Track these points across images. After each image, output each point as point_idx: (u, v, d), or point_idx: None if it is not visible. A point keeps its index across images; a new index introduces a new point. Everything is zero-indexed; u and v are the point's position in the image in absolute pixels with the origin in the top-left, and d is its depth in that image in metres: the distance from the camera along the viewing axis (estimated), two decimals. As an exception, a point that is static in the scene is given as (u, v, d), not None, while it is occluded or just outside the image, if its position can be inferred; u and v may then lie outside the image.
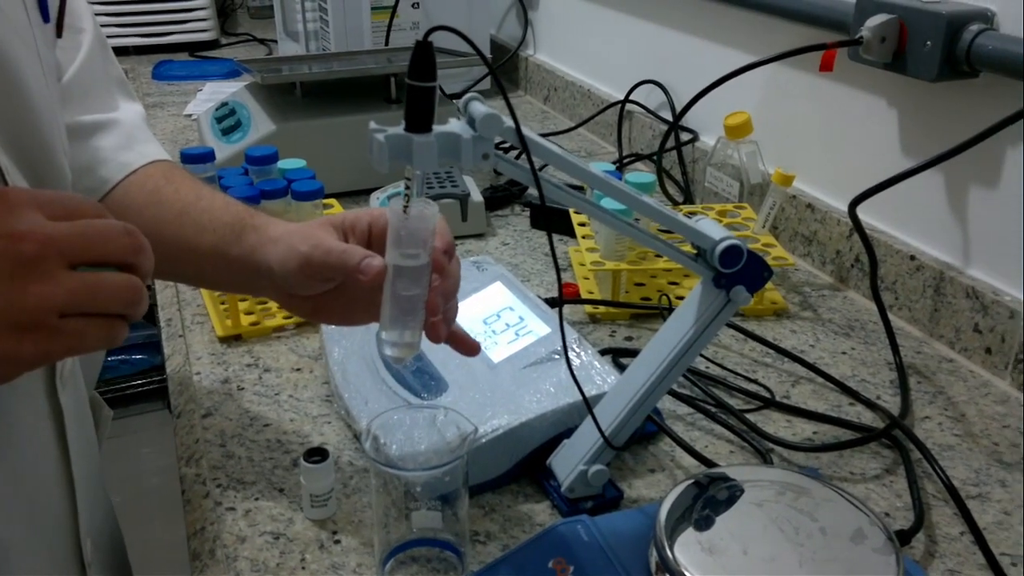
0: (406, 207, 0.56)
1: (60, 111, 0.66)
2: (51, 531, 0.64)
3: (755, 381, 0.87)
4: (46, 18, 0.64)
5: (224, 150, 1.26)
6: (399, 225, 0.57)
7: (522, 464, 0.72)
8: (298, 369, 0.89)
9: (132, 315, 0.48)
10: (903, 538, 0.66)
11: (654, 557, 0.56)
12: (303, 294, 0.65)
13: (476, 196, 1.19)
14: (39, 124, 0.60)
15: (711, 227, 0.63)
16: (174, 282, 1.05)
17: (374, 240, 0.65)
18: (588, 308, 1.00)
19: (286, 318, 0.96)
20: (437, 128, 0.55)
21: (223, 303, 0.97)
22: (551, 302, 0.86)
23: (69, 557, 0.66)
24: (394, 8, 1.62)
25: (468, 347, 0.66)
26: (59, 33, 0.69)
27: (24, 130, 0.58)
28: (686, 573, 0.53)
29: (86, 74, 0.75)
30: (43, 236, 0.45)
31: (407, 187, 0.56)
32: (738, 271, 0.63)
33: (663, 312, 0.97)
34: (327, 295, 0.65)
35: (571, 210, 1.08)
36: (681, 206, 1.23)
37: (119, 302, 0.47)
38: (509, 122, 0.56)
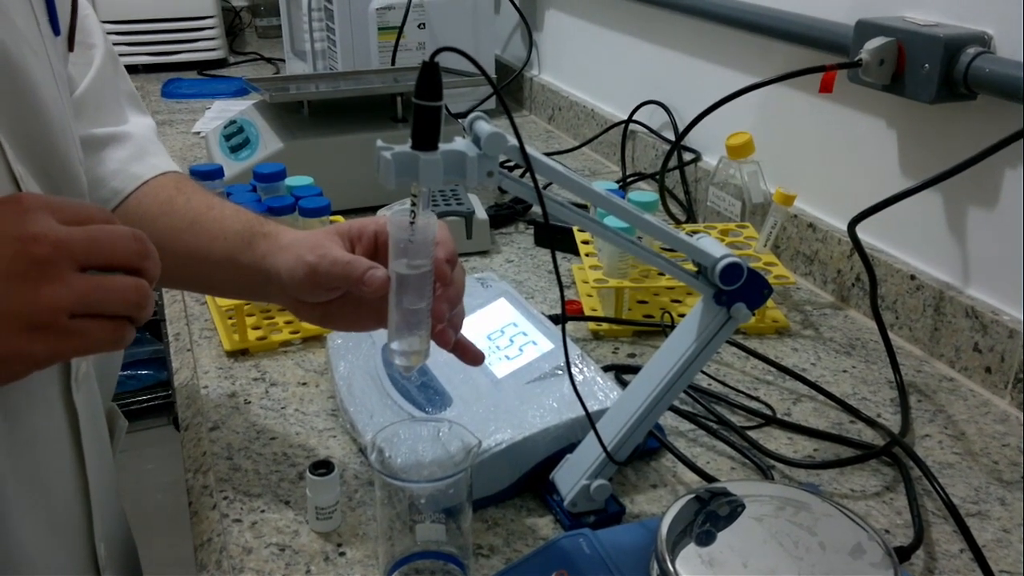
0: (412, 223, 0.57)
1: (74, 122, 0.67)
2: (67, 533, 0.65)
3: (757, 398, 0.88)
4: (56, 31, 0.65)
5: (232, 167, 1.28)
6: (400, 236, 0.58)
7: (525, 478, 0.72)
8: (304, 383, 0.90)
9: (138, 318, 0.49)
10: (902, 554, 0.67)
11: (655, 570, 0.57)
12: (311, 301, 0.67)
13: (481, 214, 1.20)
14: (53, 133, 0.61)
15: (712, 245, 0.64)
16: (186, 291, 1.06)
17: (380, 248, 0.66)
18: (591, 325, 1.01)
19: (292, 333, 0.97)
20: (443, 146, 0.56)
21: (231, 318, 0.98)
22: (554, 319, 0.87)
23: (84, 560, 0.67)
24: (401, 29, 1.64)
25: (472, 356, 0.67)
26: (71, 47, 0.70)
27: (38, 138, 0.59)
28: (686, 586, 0.54)
29: (98, 88, 0.76)
30: (55, 239, 0.46)
31: (413, 204, 0.57)
32: (738, 288, 0.64)
33: (665, 329, 0.98)
34: (336, 302, 0.66)
35: (575, 228, 1.09)
36: (683, 225, 1.24)
37: (126, 304, 0.48)
38: (513, 141, 0.57)
